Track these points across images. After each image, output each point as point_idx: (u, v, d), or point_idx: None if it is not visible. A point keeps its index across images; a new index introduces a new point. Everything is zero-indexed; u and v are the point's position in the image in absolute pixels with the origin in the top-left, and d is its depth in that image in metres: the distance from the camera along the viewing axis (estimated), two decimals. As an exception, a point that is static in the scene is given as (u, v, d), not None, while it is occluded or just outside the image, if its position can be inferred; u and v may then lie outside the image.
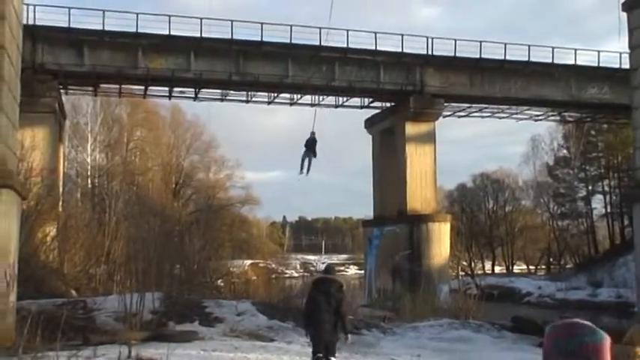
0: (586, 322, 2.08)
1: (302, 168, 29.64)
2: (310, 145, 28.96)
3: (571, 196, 61.46)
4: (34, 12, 33.84)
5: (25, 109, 17.14)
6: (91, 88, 42.12)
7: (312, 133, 28.95)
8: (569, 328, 2.05)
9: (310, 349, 10.57)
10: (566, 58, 43.12)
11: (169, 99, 45.25)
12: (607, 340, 2.01)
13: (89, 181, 51.29)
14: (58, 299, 17.78)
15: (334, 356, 10.29)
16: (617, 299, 42.64)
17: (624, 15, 24.23)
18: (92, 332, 14.45)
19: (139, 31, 36.12)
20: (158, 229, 29.23)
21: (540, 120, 51.87)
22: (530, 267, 70.53)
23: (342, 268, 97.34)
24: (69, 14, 35.33)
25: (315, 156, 29.45)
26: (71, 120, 50.06)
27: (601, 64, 43.08)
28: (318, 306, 10.11)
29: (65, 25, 35.18)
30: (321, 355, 10.10)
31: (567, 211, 62.02)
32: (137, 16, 36.10)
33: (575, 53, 43.43)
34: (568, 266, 60.80)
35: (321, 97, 43.79)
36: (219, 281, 30.09)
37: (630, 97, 24.34)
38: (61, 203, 31.72)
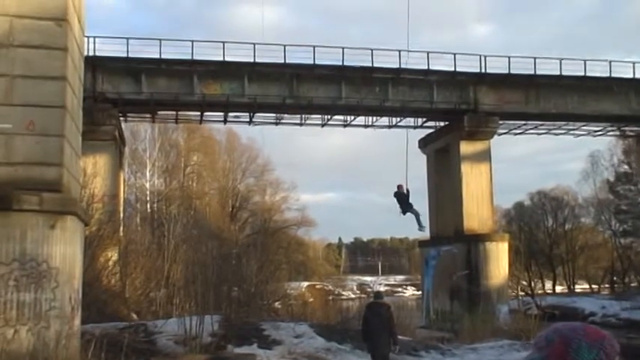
0: (539, 339, 1.99)
1: (419, 224, 28.63)
2: (402, 200, 26.90)
3: (634, 213, 59.81)
4: (94, 43, 34.87)
5: (86, 137, 17.70)
6: (148, 115, 43.09)
7: (399, 187, 27.08)
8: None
9: None
10: (625, 72, 42.29)
11: (224, 124, 45.96)
12: (549, 357, 1.92)
13: (148, 206, 52.29)
14: (120, 323, 18.15)
15: None
16: (685, 318, 41.22)
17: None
18: (153, 355, 14.72)
19: (195, 58, 36.91)
20: (216, 253, 29.55)
21: (599, 135, 50.84)
22: (593, 286, 68.71)
23: (399, 289, 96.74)
24: (127, 44, 36.43)
25: (411, 208, 27.55)
26: (130, 146, 51.25)
27: (661, 77, 42.13)
28: (371, 325, 12.85)
29: (124, 54, 36.18)
30: None
31: (630, 229, 60.34)
32: (192, 44, 37.01)
33: (634, 66, 42.56)
34: (633, 285, 59.00)
35: (374, 118, 43.87)
36: (276, 303, 30.22)
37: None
38: (121, 228, 32.41)
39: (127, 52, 36.24)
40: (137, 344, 15.02)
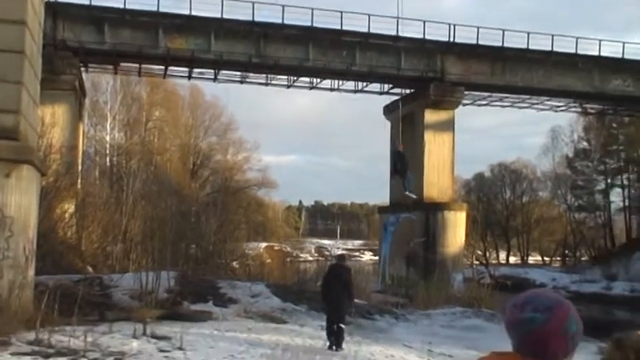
0: (531, 300, 2.05)
1: (409, 189, 27.89)
2: (402, 161, 26.48)
3: (589, 189, 60.97)
4: (57, -12, 33.92)
5: (45, 85, 17.30)
6: (111, 67, 42.28)
7: (398, 146, 26.75)
8: (511, 320, 2.04)
9: (323, 333, 13.47)
10: (591, 49, 42.71)
11: (189, 79, 45.44)
12: (550, 322, 1.99)
13: (107, 159, 51.60)
14: (75, 275, 18.01)
15: (343, 323, 13.20)
16: (631, 293, 42.46)
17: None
18: (108, 309, 14.65)
19: (160, 10, 36.23)
20: (175, 209, 29.39)
21: (561, 111, 51.48)
22: (545, 258, 70.24)
23: (356, 254, 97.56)
24: (91, -9, 35.46)
25: (406, 172, 26.76)
26: (91, 98, 50.30)
27: (625, 57, 42.62)
28: (332, 285, 13.21)
29: (87, 2, 35.31)
30: (333, 323, 13.01)
31: (585, 204, 61.53)
32: (159, -5, 36.18)
33: (600, 44, 43.02)
34: (583, 259, 60.43)
35: (340, 82, 43.71)
36: (234, 263, 30.26)
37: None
38: (79, 181, 31.97)
39: (90, -1, 35.40)
40: (92, 297, 14.93)
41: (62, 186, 24.45)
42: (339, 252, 37.00)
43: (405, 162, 26.38)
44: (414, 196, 29.78)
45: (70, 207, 25.88)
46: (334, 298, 13.12)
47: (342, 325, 13.18)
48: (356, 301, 16.10)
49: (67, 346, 10.38)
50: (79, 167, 36.15)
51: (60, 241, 22.99)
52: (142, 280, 15.43)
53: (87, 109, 48.32)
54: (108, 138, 51.76)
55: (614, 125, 58.87)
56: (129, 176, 36.85)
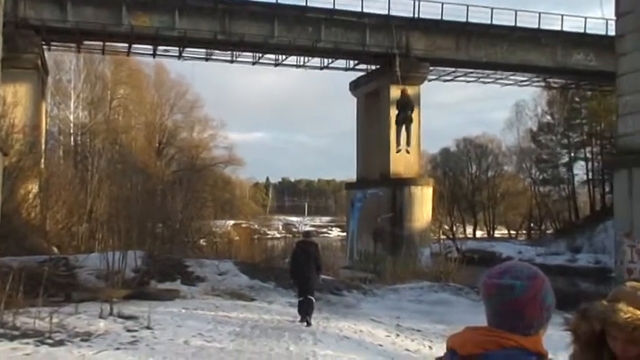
0: (509, 269, 2.07)
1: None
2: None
3: (553, 163, 61.75)
4: (16, -35, 33.19)
5: (6, 64, 16.98)
6: (74, 45, 41.60)
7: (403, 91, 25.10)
8: (489, 287, 2.05)
9: (291, 309, 14.01)
10: (553, 24, 43.24)
11: (153, 57, 44.98)
12: (528, 290, 2.02)
13: (72, 138, 50.90)
14: (39, 256, 17.79)
15: (313, 296, 13.68)
16: (595, 265, 43.18)
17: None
18: (74, 289, 14.53)
19: (124, -13, 35.65)
20: (141, 188, 29.14)
21: (525, 86, 51.99)
22: (512, 232, 71.09)
23: (324, 230, 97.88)
24: (52, -32, 34.74)
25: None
26: (54, 77, 49.51)
27: (587, 31, 43.07)
28: (300, 260, 13.66)
29: (48, -21, 34.62)
30: (304, 297, 13.43)
31: (549, 177, 62.32)
32: (121, -28, 35.57)
33: (562, 19, 43.49)
34: (549, 232, 61.28)
35: (306, 59, 43.57)
36: (201, 241, 30.15)
37: (615, 65, 24.40)
38: (43, 160, 31.54)
39: (52, -24, 34.69)
40: (57, 278, 14.77)
41: (25, 166, 24.12)
42: (308, 229, 37.14)
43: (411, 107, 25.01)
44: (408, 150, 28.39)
45: (33, 187, 25.54)
46: (303, 273, 13.57)
47: (312, 298, 13.63)
48: (324, 277, 16.31)
49: (32, 327, 10.30)
50: (43, 147, 35.60)
51: (24, 221, 22.71)
52: (108, 259, 15.29)
53: (50, 88, 47.57)
54: (72, 117, 51.02)
55: (577, 99, 59.60)
56: (93, 155, 36.45)
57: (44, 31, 35.36)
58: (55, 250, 22.06)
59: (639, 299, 2.32)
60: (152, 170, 45.05)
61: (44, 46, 38.66)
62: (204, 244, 29.70)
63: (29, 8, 34.76)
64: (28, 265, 14.35)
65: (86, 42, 40.73)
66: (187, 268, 18.29)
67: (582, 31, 43.04)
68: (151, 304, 12.85)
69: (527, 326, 2.02)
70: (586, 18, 43.51)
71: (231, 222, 46.83)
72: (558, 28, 43.04)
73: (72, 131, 50.76)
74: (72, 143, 50.41)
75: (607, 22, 39.05)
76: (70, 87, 51.58)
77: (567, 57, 43.61)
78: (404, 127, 28.31)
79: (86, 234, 24.16)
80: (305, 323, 13.26)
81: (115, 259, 15.33)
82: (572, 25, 44.00)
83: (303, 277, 13.58)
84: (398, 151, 32.21)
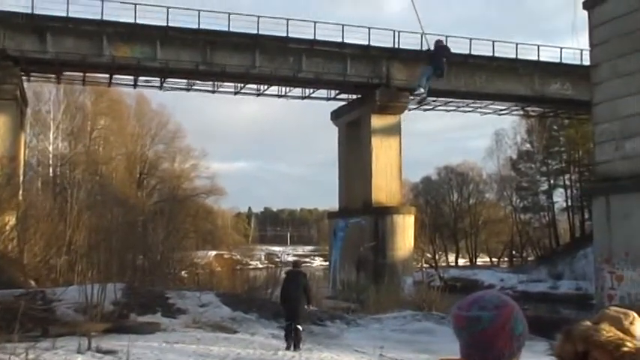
0: (477, 300, 2.06)
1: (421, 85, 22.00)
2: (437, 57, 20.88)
3: (533, 190, 62.19)
4: (-5, -4, 33.14)
5: (-16, 95, 16.79)
6: (53, 76, 41.50)
7: (438, 42, 21.77)
8: (458, 320, 2.05)
9: (274, 341, 14.39)
10: (530, 54, 44.00)
11: (134, 88, 45.04)
12: (496, 321, 2.00)
13: (51, 169, 50.40)
14: (16, 290, 17.43)
15: (299, 323, 14.12)
16: (576, 291, 43.27)
17: (584, 14, 24.52)
18: (51, 324, 14.20)
19: (105, 18, 35.65)
20: (121, 220, 28.82)
21: (504, 114, 52.49)
22: (493, 259, 71.27)
23: (307, 259, 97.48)
24: (32, -1, 34.68)
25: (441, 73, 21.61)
26: (33, 107, 49.16)
27: (563, 61, 43.68)
28: (289, 289, 14.29)
29: (28, 10, 34.55)
30: (292, 324, 13.95)
31: (530, 205, 62.73)
32: (102, 3, 35.73)
33: (539, 49, 44.37)
34: (530, 259, 61.51)
35: (287, 89, 43.74)
36: (182, 272, 29.82)
37: (591, 93, 24.67)
38: (21, 192, 31.14)
39: (32, 7, 34.65)
40: (34, 312, 14.44)
41: (2, 198, 23.77)
42: (294, 259, 37.05)
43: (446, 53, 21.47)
44: (423, 91, 24.51)
45: (10, 219, 25.14)
46: (292, 300, 14.21)
47: (300, 327, 14.13)
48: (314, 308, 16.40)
49: (7, 364, 10.01)
50: (21, 178, 35.22)
51: (0, 254, 22.30)
52: (87, 292, 15.00)
53: (29, 119, 47.22)
54: (51, 148, 50.58)
55: (555, 127, 60.27)
56: (73, 187, 36.13)
57: (24, 62, 35.21)
58: (33, 283, 21.64)
59: (621, 321, 2.29)
60: (133, 201, 44.74)
61: (23, 77, 38.49)
62: (186, 275, 29.37)
63: (8, 39, 34.63)
64: (3, 300, 14.06)
65: (66, 72, 40.66)
66: (168, 300, 18.00)
67: (558, 60, 43.65)
68: (130, 338, 12.57)
69: (497, 357, 2.00)
70: (561, 48, 44.07)
71: (213, 252, 46.53)
72: (535, 58, 43.62)
73: (51, 162, 50.30)
74: (51, 174, 49.91)
75: (582, 52, 39.67)
76: (49, 118, 51.22)
77: (545, 86, 44.10)
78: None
79: (65, 266, 23.77)
80: (291, 349, 13.61)
81: (94, 291, 15.04)
82: (548, 55, 44.57)
83: (292, 304, 14.19)
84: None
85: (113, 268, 18.51)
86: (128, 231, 27.27)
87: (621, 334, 2.32)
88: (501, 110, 50.75)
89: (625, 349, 2.25)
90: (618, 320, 2.38)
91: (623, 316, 2.65)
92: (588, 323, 2.37)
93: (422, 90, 23.06)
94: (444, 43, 22.61)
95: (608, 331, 2.28)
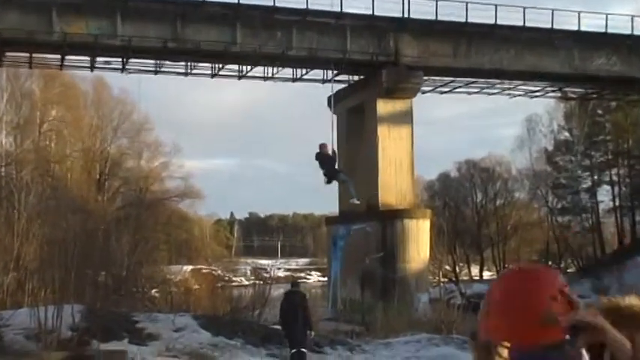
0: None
1: (352, 194, 26.66)
2: (327, 164, 24.97)
3: (573, 188, 62.15)
4: None
5: None
6: (-6, 57, 41.60)
7: (322, 147, 25.26)
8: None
9: None
10: (569, 23, 43.48)
11: (91, 70, 44.98)
12: None
13: (-7, 170, 50.59)
14: (-45, 314, 17.63)
15: (304, 347, 15.40)
16: (626, 309, 43.41)
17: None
18: (-2, 353, 14.40)
19: (54, -12, 35.80)
20: (79, 229, 28.91)
21: (537, 97, 52.48)
22: (526, 272, 71.32)
23: (301, 274, 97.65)
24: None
25: (338, 174, 25.46)
26: (-30, 96, 49.35)
27: (609, 30, 43.55)
28: (289, 313, 15.48)
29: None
30: (295, 350, 15.23)
31: (569, 206, 62.66)
32: (51, -30, 35.73)
33: (579, 17, 43.79)
34: (570, 270, 61.58)
35: (275, 69, 43.80)
36: (153, 291, 30.06)
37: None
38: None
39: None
40: (-22, 340, 14.66)
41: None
42: (288, 273, 37.36)
43: (330, 162, 24.91)
44: (357, 202, 28.98)
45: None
46: (291, 324, 15.45)
47: (304, 350, 15.43)
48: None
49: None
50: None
51: None
52: (39, 316, 15.21)
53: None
54: (-7, 144, 50.75)
55: (599, 112, 60.20)
56: (20, 190, 36.24)
57: (-42, 41, 35.38)
58: (-25, 306, 21.86)
59: None
60: (92, 207, 44.93)
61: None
62: (157, 294, 29.59)
63: (-60, 14, 34.78)
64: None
65: (9, 53, 40.70)
66: (137, 325, 18.21)
67: (603, 30, 43.54)
68: (92, 369, 12.78)
69: None
70: (607, 15, 43.81)
71: (190, 267, 46.78)
72: (575, 27, 43.49)
73: (-7, 161, 50.45)
74: (-7, 176, 50.06)
75: (632, 19, 39.72)
76: (-10, 108, 51.36)
77: (586, 61, 44.12)
78: (344, 179, 27.63)
79: (13, 285, 23.97)
80: None
81: (49, 315, 15.26)
82: (590, 24, 44.36)
83: (292, 329, 15.42)
84: (355, 202, 31.04)
85: (70, 287, 18.65)
86: (87, 242, 27.37)
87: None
88: (534, 92, 50.80)
89: None
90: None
91: None
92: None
93: (357, 202, 28.55)
94: (328, 149, 25.20)
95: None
